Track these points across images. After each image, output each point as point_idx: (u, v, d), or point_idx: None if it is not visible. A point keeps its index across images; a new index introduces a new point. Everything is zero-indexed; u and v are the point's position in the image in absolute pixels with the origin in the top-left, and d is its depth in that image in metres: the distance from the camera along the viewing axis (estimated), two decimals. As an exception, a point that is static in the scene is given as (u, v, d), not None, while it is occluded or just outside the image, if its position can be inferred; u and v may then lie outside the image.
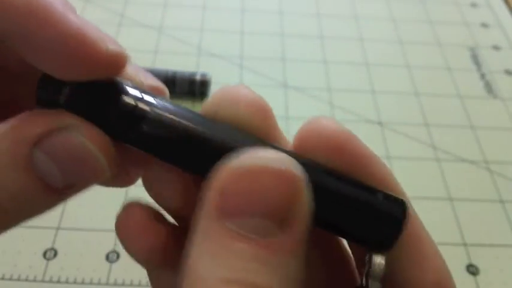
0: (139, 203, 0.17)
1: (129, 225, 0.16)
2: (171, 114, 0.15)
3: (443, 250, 0.32)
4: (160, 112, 0.15)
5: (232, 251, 0.13)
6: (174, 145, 0.15)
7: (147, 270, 0.17)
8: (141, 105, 0.15)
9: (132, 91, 0.15)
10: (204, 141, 0.15)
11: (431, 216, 0.34)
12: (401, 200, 0.15)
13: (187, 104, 0.39)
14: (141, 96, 0.15)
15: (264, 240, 0.13)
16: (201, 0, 0.50)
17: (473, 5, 0.53)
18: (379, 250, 0.15)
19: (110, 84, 0.15)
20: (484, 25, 0.50)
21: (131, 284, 0.29)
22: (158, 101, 0.15)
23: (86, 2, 0.48)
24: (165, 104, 0.15)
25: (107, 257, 0.30)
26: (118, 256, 0.30)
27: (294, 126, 0.39)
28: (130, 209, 0.17)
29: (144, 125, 0.15)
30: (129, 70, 0.17)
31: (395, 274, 0.16)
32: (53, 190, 0.16)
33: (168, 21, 0.47)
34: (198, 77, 0.39)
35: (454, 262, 0.31)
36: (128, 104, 0.15)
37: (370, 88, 0.43)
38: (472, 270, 0.31)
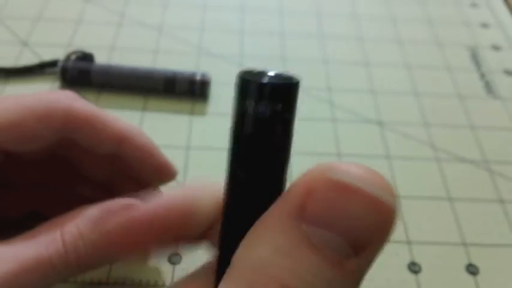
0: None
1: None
2: None
3: (442, 250, 0.32)
4: None
5: (299, 256, 0.12)
6: None
7: None
8: None
9: None
10: None
11: (431, 215, 0.34)
12: None
13: (187, 104, 0.39)
14: None
15: (334, 258, 0.13)
16: (201, 0, 0.49)
17: (473, 5, 0.53)
18: None
19: None
20: (484, 25, 0.50)
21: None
22: None
23: (85, 1, 0.47)
24: None
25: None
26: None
27: (296, 126, 0.39)
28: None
29: None
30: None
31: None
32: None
33: (168, 21, 0.47)
34: (198, 77, 0.39)
35: (454, 262, 0.31)
36: None
37: (370, 88, 0.42)
38: (471, 270, 0.31)
